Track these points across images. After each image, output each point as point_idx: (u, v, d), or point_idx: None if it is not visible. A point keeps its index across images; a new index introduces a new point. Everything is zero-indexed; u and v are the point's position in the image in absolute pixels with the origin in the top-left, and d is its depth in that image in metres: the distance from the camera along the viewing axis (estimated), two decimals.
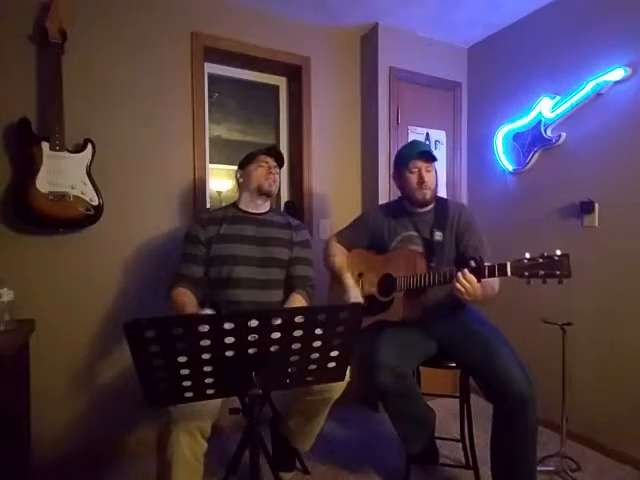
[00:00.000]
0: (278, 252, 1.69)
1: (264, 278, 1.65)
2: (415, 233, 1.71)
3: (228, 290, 1.61)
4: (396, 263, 1.66)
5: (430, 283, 1.50)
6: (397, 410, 1.56)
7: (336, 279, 1.83)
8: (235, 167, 1.80)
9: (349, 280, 1.75)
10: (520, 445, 1.39)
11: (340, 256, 1.85)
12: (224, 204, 1.85)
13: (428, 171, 1.66)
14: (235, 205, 1.75)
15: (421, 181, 1.64)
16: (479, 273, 1.35)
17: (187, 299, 1.52)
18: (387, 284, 1.67)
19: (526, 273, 1.25)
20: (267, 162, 1.70)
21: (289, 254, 1.72)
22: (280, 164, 1.77)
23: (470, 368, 1.54)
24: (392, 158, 2.48)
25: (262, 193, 1.69)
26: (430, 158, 1.66)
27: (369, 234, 1.83)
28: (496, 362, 1.41)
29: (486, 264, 1.36)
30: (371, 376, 1.48)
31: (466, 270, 1.37)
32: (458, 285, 1.37)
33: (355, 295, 1.70)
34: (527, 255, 1.26)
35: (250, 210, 1.72)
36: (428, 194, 1.66)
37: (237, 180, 1.77)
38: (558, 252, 1.21)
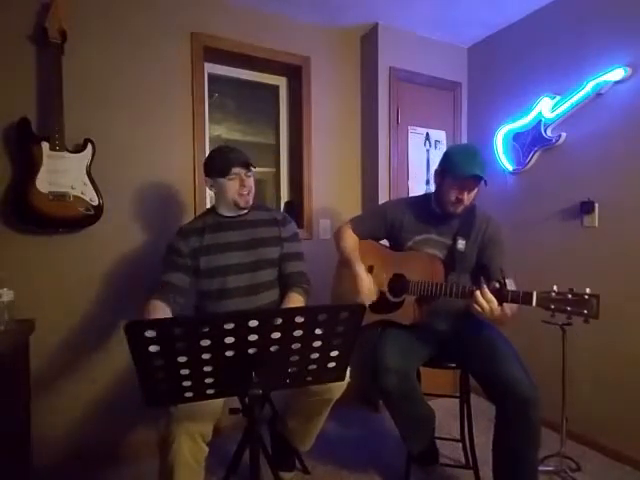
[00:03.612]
0: (268, 252, 1.62)
1: (257, 282, 1.60)
2: (436, 237, 1.64)
3: (221, 301, 1.57)
4: (411, 265, 1.60)
5: (446, 294, 1.46)
6: (399, 410, 1.56)
7: (345, 265, 1.75)
8: None
9: (361, 270, 1.65)
10: (522, 446, 1.38)
11: (352, 244, 1.75)
12: (207, 207, 1.73)
13: (471, 191, 1.55)
14: (214, 211, 1.66)
15: (460, 199, 1.54)
16: (501, 297, 1.31)
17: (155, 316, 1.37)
18: (398, 285, 1.62)
19: (552, 306, 1.22)
20: (238, 174, 1.56)
21: (279, 251, 1.65)
22: (250, 165, 1.60)
23: (473, 369, 1.54)
24: (392, 158, 2.50)
25: (239, 208, 1.61)
26: (479, 181, 1.52)
27: (387, 226, 1.75)
28: (499, 363, 1.41)
29: (510, 289, 1.31)
30: (375, 378, 1.47)
31: (486, 289, 1.32)
32: (475, 305, 1.33)
33: (367, 286, 1.61)
34: (555, 288, 1.23)
35: (231, 214, 1.63)
36: (460, 209, 1.57)
37: (208, 188, 1.65)
38: (588, 290, 1.18)
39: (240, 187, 1.57)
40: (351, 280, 1.67)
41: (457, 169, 1.51)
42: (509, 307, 1.36)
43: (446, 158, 1.59)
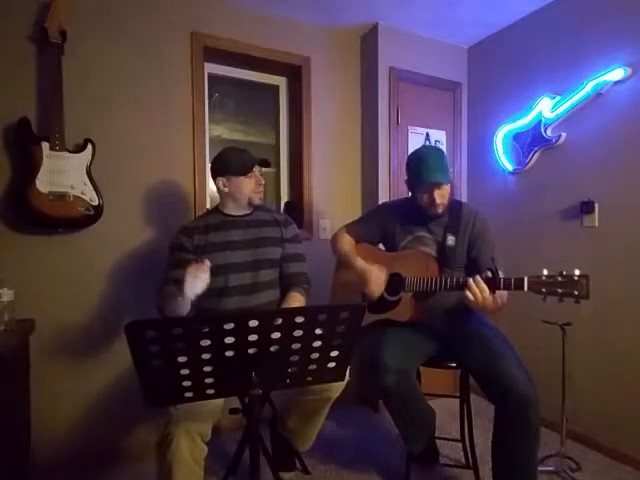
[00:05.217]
0: (270, 252, 1.65)
1: (259, 281, 1.62)
2: (428, 235, 1.67)
3: (223, 299, 1.58)
4: (406, 263, 1.63)
5: (440, 288, 1.48)
6: (399, 410, 1.55)
7: (344, 265, 1.77)
8: None
9: (363, 263, 1.65)
10: (521, 446, 1.38)
11: (349, 245, 1.80)
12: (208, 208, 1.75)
13: (440, 190, 1.56)
14: (218, 210, 1.68)
15: (433, 203, 1.57)
16: (494, 284, 1.33)
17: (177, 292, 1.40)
18: (394, 283, 1.64)
19: (543, 290, 1.24)
20: (253, 172, 1.62)
21: (281, 252, 1.68)
22: (268, 164, 1.70)
23: (472, 368, 1.54)
24: (392, 158, 2.50)
25: (252, 205, 1.66)
26: (442, 183, 1.56)
27: (381, 229, 1.79)
28: (498, 362, 1.41)
29: (501, 276, 1.33)
30: (375, 377, 1.47)
31: (479, 278, 1.34)
32: (469, 294, 1.35)
33: (376, 274, 1.60)
34: (545, 272, 1.25)
35: (235, 213, 1.66)
36: (440, 209, 1.60)
37: (220, 187, 1.64)
38: (577, 272, 1.20)
39: (256, 185, 1.63)
40: (355, 277, 1.68)
41: (417, 179, 1.58)
42: (499, 295, 1.37)
43: (408, 168, 1.65)
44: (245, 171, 1.60)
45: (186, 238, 1.59)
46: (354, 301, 1.74)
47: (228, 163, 1.61)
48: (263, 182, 1.67)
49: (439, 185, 1.55)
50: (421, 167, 1.56)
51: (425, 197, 1.59)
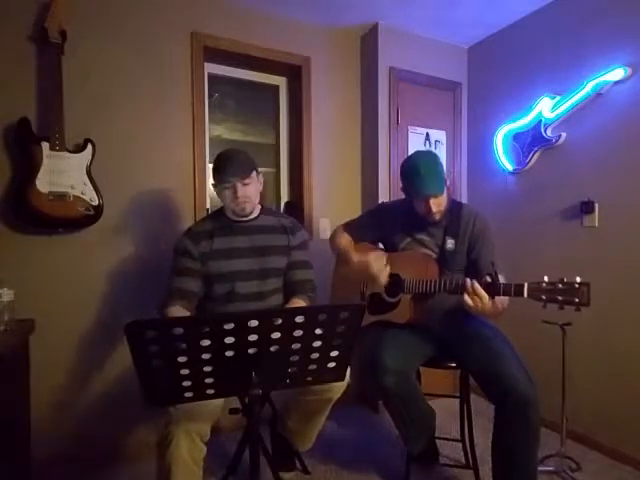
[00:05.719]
0: (276, 261, 1.62)
1: (264, 289, 1.60)
2: (427, 238, 1.67)
3: (228, 305, 1.57)
4: (406, 264, 1.62)
5: (439, 290, 1.48)
6: (399, 411, 1.55)
7: (344, 261, 1.77)
8: None
9: (362, 256, 1.65)
10: (521, 446, 1.38)
11: (347, 242, 1.79)
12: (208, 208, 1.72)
13: (436, 199, 1.55)
14: (223, 213, 1.63)
15: (429, 211, 1.57)
16: (493, 290, 1.32)
17: None
18: (393, 284, 1.64)
19: (543, 297, 1.23)
20: (230, 183, 1.50)
21: (287, 260, 1.65)
22: (247, 173, 1.52)
23: (472, 368, 1.54)
24: (392, 158, 2.50)
25: (239, 216, 1.59)
26: (437, 194, 1.54)
27: (380, 230, 1.79)
28: (498, 362, 1.41)
29: (502, 282, 1.33)
30: (375, 378, 1.47)
31: (477, 284, 1.33)
32: (468, 299, 1.34)
33: (377, 264, 1.59)
34: (546, 278, 1.24)
35: (240, 218, 1.60)
36: (438, 216, 1.59)
37: (217, 194, 1.60)
38: (578, 279, 1.19)
39: (234, 197, 1.52)
40: (354, 273, 1.68)
41: (413, 191, 1.57)
42: (500, 300, 1.36)
43: (402, 177, 1.61)
44: (220, 181, 1.51)
45: (192, 243, 1.55)
46: (354, 301, 1.74)
47: (213, 171, 1.55)
48: (243, 193, 1.51)
49: (435, 195, 1.54)
50: (415, 179, 1.54)
51: (421, 206, 1.58)
